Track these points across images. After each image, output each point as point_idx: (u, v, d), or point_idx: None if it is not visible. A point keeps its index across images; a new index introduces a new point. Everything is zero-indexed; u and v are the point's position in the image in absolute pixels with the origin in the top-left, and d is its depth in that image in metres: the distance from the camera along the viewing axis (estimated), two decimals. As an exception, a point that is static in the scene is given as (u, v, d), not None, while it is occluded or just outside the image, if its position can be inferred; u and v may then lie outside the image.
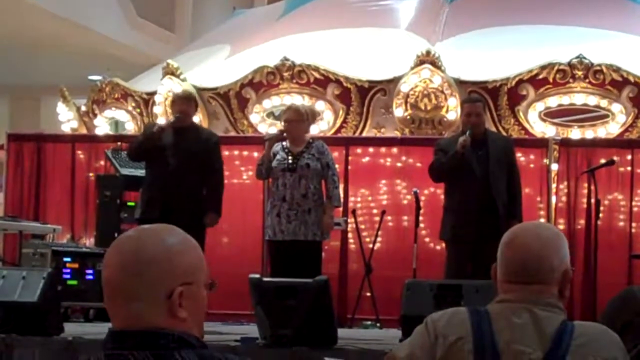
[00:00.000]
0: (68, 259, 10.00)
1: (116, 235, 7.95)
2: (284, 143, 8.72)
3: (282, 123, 8.84)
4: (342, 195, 9.34)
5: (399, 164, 11.00)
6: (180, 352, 2.07)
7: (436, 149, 8.72)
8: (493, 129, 11.11)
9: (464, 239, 8.36)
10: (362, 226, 10.77)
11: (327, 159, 8.72)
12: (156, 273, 2.10)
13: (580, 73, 10.99)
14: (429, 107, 11.00)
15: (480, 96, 10.96)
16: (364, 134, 11.48)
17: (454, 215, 8.49)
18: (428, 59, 11.08)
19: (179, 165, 8.34)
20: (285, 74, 11.50)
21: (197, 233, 8.16)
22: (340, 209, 9.84)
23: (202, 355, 2.09)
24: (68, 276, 9.89)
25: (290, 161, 8.60)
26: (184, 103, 8.66)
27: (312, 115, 9.24)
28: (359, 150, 11.25)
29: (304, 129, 8.82)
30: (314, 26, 13.05)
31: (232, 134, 11.77)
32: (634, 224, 10.70)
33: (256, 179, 9.36)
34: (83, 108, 13.35)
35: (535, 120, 11.18)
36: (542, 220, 10.59)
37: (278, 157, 8.63)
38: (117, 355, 2.08)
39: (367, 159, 11.26)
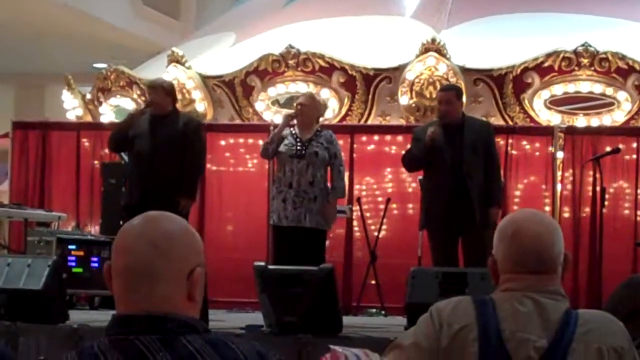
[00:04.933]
0: (73, 247, 10.02)
1: (121, 222, 7.96)
2: (292, 129, 8.71)
3: (296, 106, 8.81)
4: (347, 183, 9.34)
5: (404, 152, 10.98)
6: (186, 337, 2.07)
7: (412, 137, 8.70)
8: (498, 117, 11.12)
9: (438, 227, 8.32)
10: (367, 214, 10.78)
11: (335, 149, 8.71)
12: (182, 251, 2.12)
13: (585, 61, 10.97)
14: (434, 95, 10.94)
15: (484, 83, 11.01)
16: (369, 122, 11.47)
17: (428, 205, 8.46)
18: (433, 47, 11.07)
19: (154, 152, 8.37)
20: (291, 62, 11.49)
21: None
22: (346, 196, 9.84)
23: (208, 340, 2.09)
24: (73, 264, 9.92)
25: (299, 147, 8.58)
26: (151, 92, 8.72)
27: (324, 108, 9.30)
28: (364, 138, 11.25)
29: (315, 117, 8.82)
30: (319, 14, 13.03)
31: (237, 121, 11.77)
32: (639, 212, 10.70)
33: (261, 157, 9.31)
34: (88, 96, 13.34)
35: (540, 108, 11.16)
36: (547, 208, 10.59)
37: (286, 142, 8.61)
38: (122, 340, 2.07)
39: (372, 146, 11.26)
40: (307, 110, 8.68)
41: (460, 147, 8.28)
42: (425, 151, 8.23)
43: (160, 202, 7.71)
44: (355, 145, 11.12)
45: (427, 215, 8.44)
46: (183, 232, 2.15)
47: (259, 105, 11.73)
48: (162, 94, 8.68)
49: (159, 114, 8.52)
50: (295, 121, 8.74)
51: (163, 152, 8.36)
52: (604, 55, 10.96)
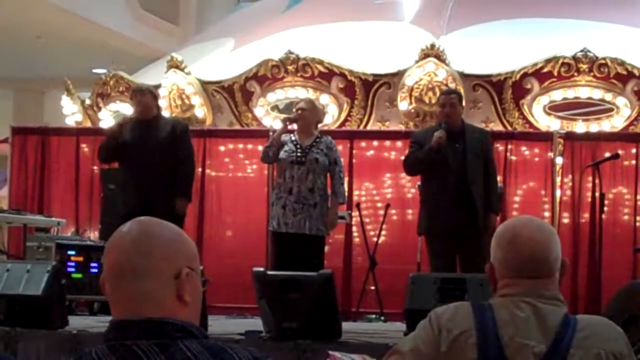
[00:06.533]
0: (72, 252, 10.00)
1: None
2: (292, 136, 8.71)
3: (296, 111, 8.84)
4: (346, 188, 9.35)
5: (403, 158, 10.98)
6: (184, 342, 2.07)
7: (411, 141, 8.70)
8: (498, 122, 11.12)
9: (440, 232, 8.30)
10: (367, 220, 10.77)
11: (335, 155, 8.72)
12: (166, 251, 2.13)
13: (584, 66, 10.97)
14: (433, 101, 10.96)
15: (484, 89, 11.02)
16: (369, 128, 11.47)
17: (430, 209, 8.44)
18: (432, 53, 11.07)
19: (148, 158, 8.40)
20: (290, 68, 11.49)
21: (175, 222, 8.22)
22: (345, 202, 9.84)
23: (206, 345, 2.08)
24: (72, 269, 9.90)
25: (299, 154, 8.59)
26: (138, 95, 8.77)
27: (322, 114, 9.34)
28: (363, 144, 11.25)
29: (315, 122, 8.83)
30: (318, 19, 13.04)
31: (237, 127, 11.77)
32: (638, 218, 10.68)
33: (261, 162, 9.30)
34: (87, 101, 13.35)
35: (539, 114, 11.16)
36: (547, 214, 10.59)
37: (286, 148, 8.61)
38: (120, 345, 2.07)
39: (371, 152, 11.26)
40: (307, 115, 8.69)
41: (462, 152, 8.30)
42: (431, 154, 8.24)
43: (160, 207, 7.75)
44: (354, 151, 11.11)
45: (429, 219, 8.42)
46: (169, 234, 2.17)
47: (259, 111, 11.73)
48: (150, 97, 8.75)
49: (144, 119, 8.57)
50: (295, 126, 8.75)
51: (156, 157, 8.41)
52: (603, 61, 10.96)
